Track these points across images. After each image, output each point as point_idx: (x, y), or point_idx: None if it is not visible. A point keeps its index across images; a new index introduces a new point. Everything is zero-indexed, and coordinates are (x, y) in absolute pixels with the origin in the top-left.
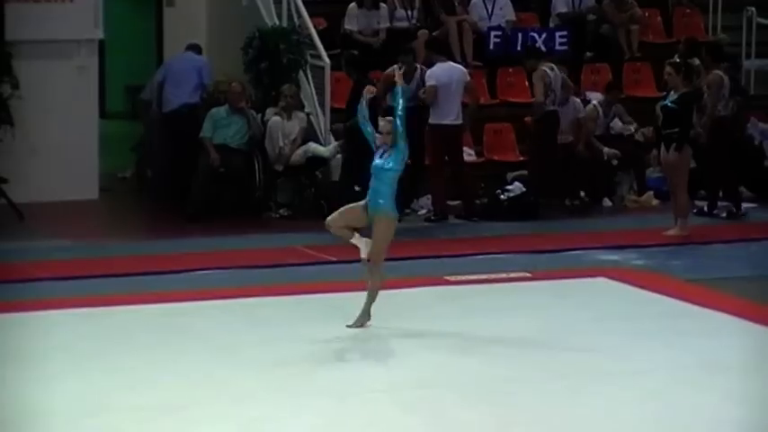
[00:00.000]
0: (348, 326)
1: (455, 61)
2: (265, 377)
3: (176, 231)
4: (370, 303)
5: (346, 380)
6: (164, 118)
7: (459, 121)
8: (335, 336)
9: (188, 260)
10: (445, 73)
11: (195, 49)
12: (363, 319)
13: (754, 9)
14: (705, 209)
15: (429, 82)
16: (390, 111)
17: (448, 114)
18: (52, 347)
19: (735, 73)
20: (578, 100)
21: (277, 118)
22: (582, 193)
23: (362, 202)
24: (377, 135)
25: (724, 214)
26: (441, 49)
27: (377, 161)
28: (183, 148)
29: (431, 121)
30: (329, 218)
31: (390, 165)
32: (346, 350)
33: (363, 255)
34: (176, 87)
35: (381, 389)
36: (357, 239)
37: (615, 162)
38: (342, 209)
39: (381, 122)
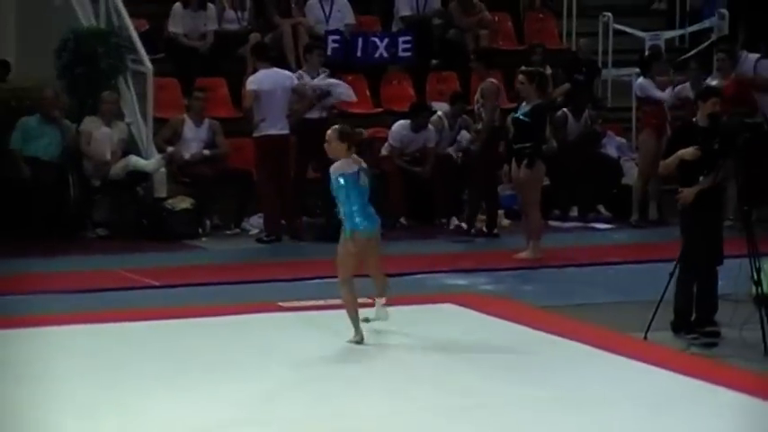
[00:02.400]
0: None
1: (282, 67)
2: (79, 412)
3: None
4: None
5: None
6: None
7: (287, 131)
8: (152, 368)
9: None
10: (269, 79)
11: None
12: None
13: (610, 15)
14: (464, 226)
15: (249, 87)
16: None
17: (275, 123)
18: None
19: (589, 84)
20: (432, 128)
21: (106, 128)
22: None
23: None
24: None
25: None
26: (265, 55)
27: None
28: None
29: (255, 133)
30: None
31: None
32: (152, 380)
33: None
34: None
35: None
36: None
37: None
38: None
39: (329, 132)
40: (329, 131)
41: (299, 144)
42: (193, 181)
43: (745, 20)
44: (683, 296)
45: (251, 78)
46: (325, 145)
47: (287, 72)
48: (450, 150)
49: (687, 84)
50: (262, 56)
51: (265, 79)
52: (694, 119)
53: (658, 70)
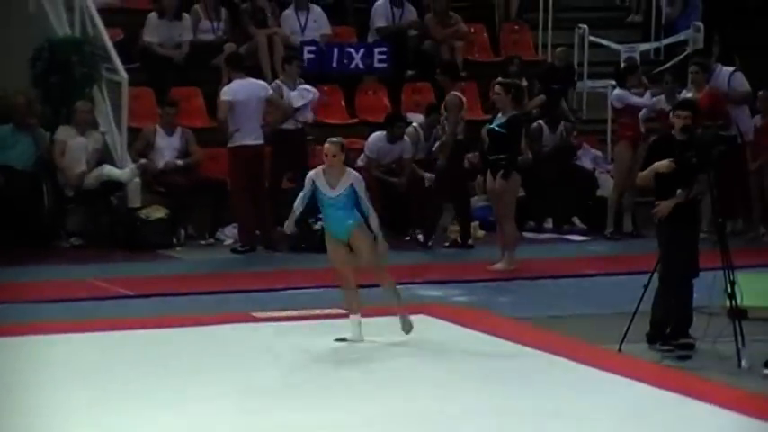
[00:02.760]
0: (406, 332)
1: (257, 78)
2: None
3: None
4: (400, 300)
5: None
6: None
7: (261, 141)
8: (125, 377)
9: None
10: (243, 90)
11: None
12: (407, 318)
13: (586, 27)
14: (421, 239)
15: (224, 97)
16: None
17: (250, 133)
18: None
19: (563, 92)
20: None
21: (80, 138)
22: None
23: (336, 242)
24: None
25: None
26: (240, 65)
27: (329, 195)
28: None
29: (230, 143)
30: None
31: (343, 194)
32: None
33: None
34: None
35: None
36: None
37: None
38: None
39: (327, 144)
40: (332, 145)
41: (274, 154)
42: (168, 191)
43: (719, 33)
44: (662, 308)
45: (225, 89)
46: (333, 158)
47: (262, 82)
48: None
49: (662, 96)
50: (236, 66)
51: (240, 90)
52: (672, 131)
53: (633, 82)
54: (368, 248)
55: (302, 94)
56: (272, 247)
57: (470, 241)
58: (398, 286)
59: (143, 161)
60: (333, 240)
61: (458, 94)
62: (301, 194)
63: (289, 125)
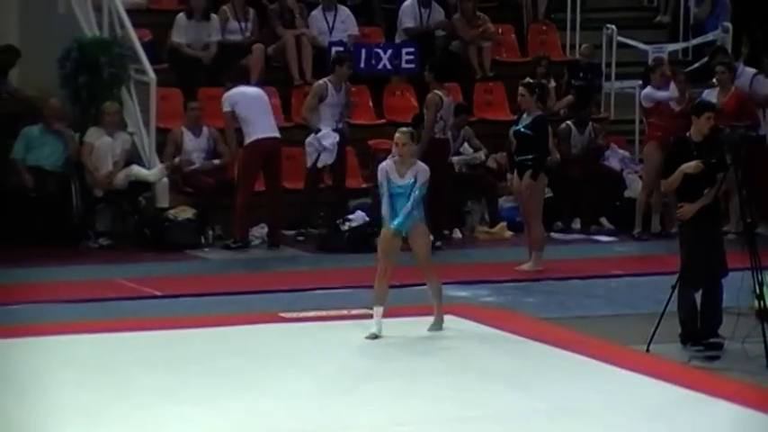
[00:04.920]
0: (429, 330)
1: (286, 77)
2: (81, 421)
3: None
4: (440, 302)
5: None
6: None
7: (276, 134)
8: (154, 377)
9: None
10: (242, 94)
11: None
12: (440, 319)
13: (614, 27)
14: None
15: (225, 109)
16: None
17: (263, 126)
18: None
19: (591, 89)
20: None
21: (108, 138)
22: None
23: (389, 230)
24: (394, 147)
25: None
26: (241, 78)
27: (398, 182)
28: None
29: (246, 141)
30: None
31: (410, 182)
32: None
33: (375, 329)
34: None
35: None
36: (379, 316)
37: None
38: (379, 251)
39: (398, 134)
40: (402, 134)
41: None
42: (195, 191)
43: (748, 33)
44: (684, 308)
45: (223, 99)
46: (403, 147)
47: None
48: (454, 161)
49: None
50: (238, 78)
51: (238, 94)
52: (687, 133)
53: (658, 78)
54: (425, 245)
55: (329, 136)
56: (276, 245)
57: (438, 243)
58: (425, 286)
59: (176, 160)
60: (390, 230)
61: (439, 93)
62: (381, 191)
63: (333, 126)
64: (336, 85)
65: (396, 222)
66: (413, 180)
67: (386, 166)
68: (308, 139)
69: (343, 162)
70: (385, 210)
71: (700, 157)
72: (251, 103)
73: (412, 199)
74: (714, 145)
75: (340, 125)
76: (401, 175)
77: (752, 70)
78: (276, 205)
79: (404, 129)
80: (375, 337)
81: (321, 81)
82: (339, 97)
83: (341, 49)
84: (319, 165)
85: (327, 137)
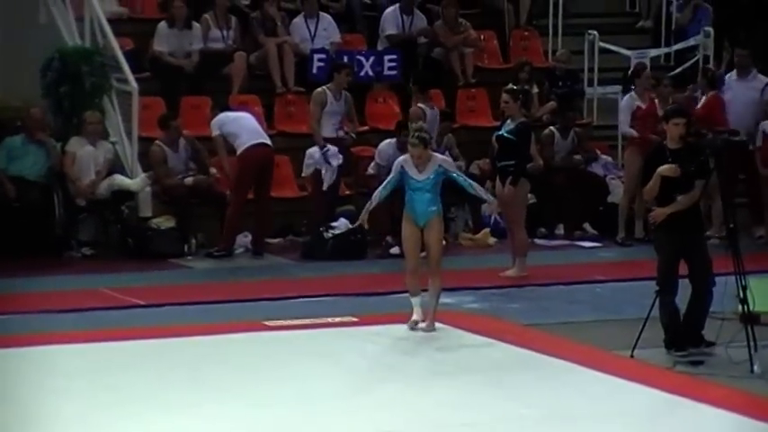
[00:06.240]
0: (413, 328)
1: (268, 85)
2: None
3: None
4: (436, 307)
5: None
6: None
7: (267, 141)
8: (140, 386)
9: None
10: (229, 116)
11: None
12: (433, 321)
13: (596, 33)
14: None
15: (214, 133)
16: None
17: (253, 136)
18: None
19: (570, 101)
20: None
21: (90, 148)
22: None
23: (413, 226)
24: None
25: None
26: (225, 108)
27: (417, 178)
28: None
29: (238, 151)
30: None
31: (433, 177)
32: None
33: (417, 317)
34: None
35: None
36: (417, 303)
37: None
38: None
39: (412, 140)
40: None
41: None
42: (176, 200)
43: (729, 38)
44: (665, 314)
45: (211, 125)
46: (421, 150)
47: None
48: None
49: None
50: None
51: (222, 117)
52: (664, 141)
53: (643, 85)
54: (437, 240)
55: (335, 157)
56: (260, 253)
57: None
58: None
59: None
60: (410, 224)
61: (422, 106)
62: (386, 181)
63: (332, 134)
64: (336, 93)
65: (414, 214)
66: (433, 175)
67: (401, 161)
68: (310, 151)
69: (346, 168)
70: (377, 194)
71: (675, 163)
72: (236, 119)
73: (464, 183)
74: (692, 151)
75: (341, 133)
76: (420, 170)
77: (765, 79)
78: (265, 214)
79: (418, 135)
80: (416, 323)
81: (320, 89)
82: (339, 105)
83: (323, 56)
84: (324, 187)
85: (334, 157)
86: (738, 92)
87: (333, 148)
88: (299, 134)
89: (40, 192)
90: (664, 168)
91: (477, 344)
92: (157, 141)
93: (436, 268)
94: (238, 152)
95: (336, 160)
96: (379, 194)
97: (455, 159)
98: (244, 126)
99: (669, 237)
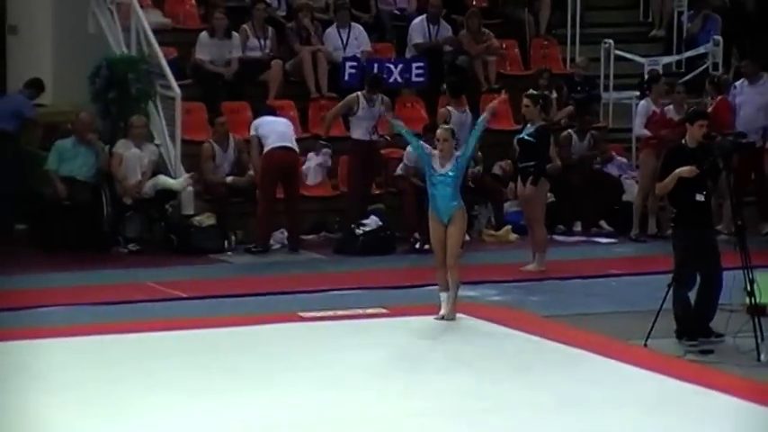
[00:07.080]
0: (437, 318)
1: (303, 91)
2: (110, 415)
3: (18, 266)
4: (455, 299)
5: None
6: None
7: (291, 145)
8: (181, 375)
9: (31, 296)
10: (267, 120)
11: (33, 86)
12: (453, 311)
13: (611, 41)
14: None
15: (251, 132)
16: None
17: (281, 139)
18: None
19: (588, 105)
20: None
21: (136, 150)
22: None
23: (438, 221)
24: (436, 142)
25: None
26: (267, 112)
27: (439, 171)
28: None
29: (265, 150)
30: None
31: (452, 173)
32: (189, 388)
33: (444, 311)
34: None
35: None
36: (445, 298)
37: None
38: (433, 244)
39: (439, 131)
40: (444, 131)
41: (355, 163)
42: (217, 199)
43: (738, 46)
44: (678, 305)
45: (252, 125)
46: (444, 143)
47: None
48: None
49: (671, 106)
50: (261, 111)
51: (260, 120)
52: (683, 140)
53: (658, 92)
54: (455, 234)
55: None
56: (295, 249)
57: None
58: (435, 287)
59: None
60: (436, 222)
61: (449, 108)
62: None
63: (365, 137)
64: (368, 100)
65: (437, 209)
66: (453, 171)
67: (430, 149)
68: (311, 154)
69: (377, 170)
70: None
71: (695, 162)
72: (271, 123)
73: (477, 133)
74: (706, 151)
75: (374, 137)
76: (442, 165)
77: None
78: (292, 212)
79: (445, 126)
80: (442, 318)
81: (354, 94)
82: (371, 111)
83: (354, 63)
84: (309, 182)
85: (322, 155)
86: (749, 96)
87: (326, 150)
88: (331, 137)
89: (90, 191)
90: (683, 170)
91: (498, 334)
92: (209, 139)
93: (453, 261)
94: (263, 152)
95: (320, 159)
96: (409, 132)
97: (475, 163)
98: (274, 130)
99: (686, 233)
